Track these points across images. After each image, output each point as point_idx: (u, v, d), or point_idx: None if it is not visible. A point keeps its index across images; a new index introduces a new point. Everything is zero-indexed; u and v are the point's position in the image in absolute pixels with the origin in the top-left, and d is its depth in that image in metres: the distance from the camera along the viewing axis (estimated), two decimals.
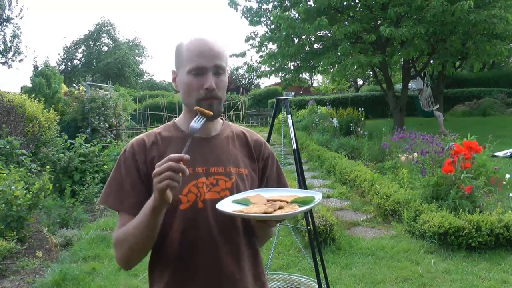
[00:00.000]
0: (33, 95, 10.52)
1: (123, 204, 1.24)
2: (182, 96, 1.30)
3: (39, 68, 13.01)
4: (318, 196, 1.20)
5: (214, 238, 1.24)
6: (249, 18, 13.89)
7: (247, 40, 14.29)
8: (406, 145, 7.57)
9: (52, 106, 11.45)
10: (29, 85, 12.85)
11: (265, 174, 1.40)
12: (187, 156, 1.07)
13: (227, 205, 1.17)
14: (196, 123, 1.19)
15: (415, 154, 6.71)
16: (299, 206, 1.16)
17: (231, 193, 1.26)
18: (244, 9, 13.88)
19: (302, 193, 1.26)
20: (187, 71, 1.25)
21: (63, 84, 14.52)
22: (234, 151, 1.35)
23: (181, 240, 1.23)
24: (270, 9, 14.12)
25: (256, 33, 14.60)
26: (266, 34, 13.70)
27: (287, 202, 1.18)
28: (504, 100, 20.09)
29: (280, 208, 1.15)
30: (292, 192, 1.26)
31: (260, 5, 14.13)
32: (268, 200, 1.20)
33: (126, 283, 3.88)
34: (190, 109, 1.29)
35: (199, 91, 1.24)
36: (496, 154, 8.80)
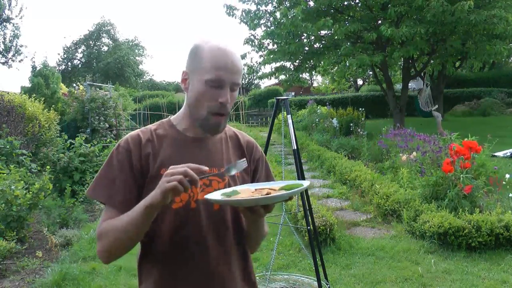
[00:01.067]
0: (33, 95, 10.52)
1: (112, 199, 1.22)
2: (190, 100, 1.29)
3: (37, 68, 13.00)
4: (305, 183, 1.20)
5: (204, 238, 1.25)
6: (248, 23, 13.87)
7: (245, 42, 14.27)
8: (402, 143, 7.62)
9: (52, 106, 11.46)
10: (28, 85, 12.85)
11: (256, 177, 1.41)
12: (205, 168, 1.10)
13: (213, 197, 1.17)
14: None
15: (414, 153, 6.72)
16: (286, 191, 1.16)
17: None
18: (243, 13, 13.84)
19: (289, 183, 1.26)
20: (204, 80, 1.23)
21: (62, 84, 14.52)
22: (227, 152, 1.36)
23: (171, 238, 1.23)
24: (269, 10, 14.11)
25: (255, 35, 14.59)
26: (267, 30, 13.60)
27: (274, 190, 1.18)
28: (504, 100, 20.10)
29: (268, 194, 1.14)
30: (280, 184, 1.26)
31: (258, 6, 14.12)
32: (256, 189, 1.20)
33: (126, 283, 3.88)
34: (192, 114, 1.29)
35: (212, 103, 1.24)
36: (496, 154, 8.80)
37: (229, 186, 1.30)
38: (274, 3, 13.98)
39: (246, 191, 1.19)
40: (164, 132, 1.32)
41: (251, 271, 1.37)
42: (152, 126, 1.34)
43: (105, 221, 1.21)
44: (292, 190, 1.15)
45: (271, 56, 13.87)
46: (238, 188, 1.23)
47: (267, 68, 14.68)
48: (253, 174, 1.40)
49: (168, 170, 1.08)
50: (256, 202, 1.12)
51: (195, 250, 1.24)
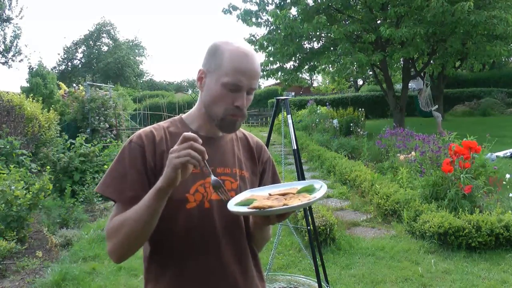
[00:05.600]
0: (31, 95, 10.52)
1: (123, 195, 1.19)
2: (206, 100, 1.27)
3: (34, 69, 13.02)
4: (317, 184, 1.20)
5: (218, 238, 1.24)
6: (247, 19, 13.89)
7: (247, 42, 14.31)
8: (400, 143, 7.63)
9: (52, 106, 11.45)
10: (26, 85, 12.86)
11: (263, 179, 1.41)
12: (200, 140, 1.07)
13: (231, 208, 1.16)
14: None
15: (413, 153, 6.72)
16: (308, 194, 1.16)
17: (237, 194, 1.25)
18: (243, 13, 13.87)
19: (298, 185, 1.25)
20: (222, 82, 1.22)
21: (62, 83, 14.52)
22: (238, 153, 1.36)
23: (184, 238, 1.22)
24: (268, 10, 14.15)
25: (255, 34, 14.63)
26: (265, 36, 13.71)
27: (293, 194, 1.17)
28: (504, 100, 20.11)
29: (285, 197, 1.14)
30: (287, 186, 1.25)
31: (259, 6, 14.15)
32: (270, 194, 1.19)
33: (126, 283, 3.88)
34: (208, 114, 1.28)
35: (228, 105, 1.23)
36: (496, 154, 8.80)
37: (239, 188, 1.29)
38: (274, 3, 14.03)
39: (259, 197, 1.18)
40: (177, 130, 1.31)
41: (261, 273, 1.38)
42: (164, 124, 1.33)
43: (114, 218, 1.18)
44: (320, 195, 1.14)
45: (271, 59, 13.92)
46: (246, 195, 1.22)
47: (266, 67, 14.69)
48: (260, 176, 1.40)
49: (173, 147, 1.06)
50: (288, 210, 1.10)
51: (208, 251, 1.24)
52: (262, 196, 1.19)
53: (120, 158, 1.24)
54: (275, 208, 1.08)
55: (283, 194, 1.18)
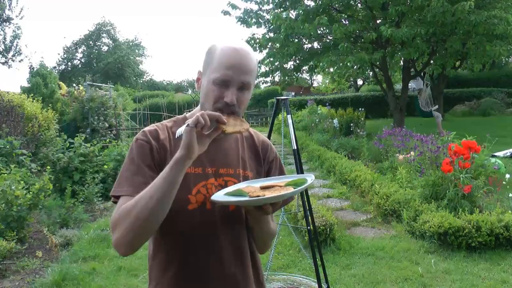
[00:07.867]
0: (31, 94, 10.51)
1: (134, 186, 1.17)
2: (201, 99, 1.29)
3: (35, 69, 13.03)
4: (309, 178, 1.20)
5: (219, 239, 1.24)
6: (247, 21, 13.90)
7: (247, 42, 14.34)
8: (399, 143, 7.62)
9: (50, 105, 11.45)
10: (27, 85, 12.86)
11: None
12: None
13: (220, 198, 1.16)
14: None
15: (412, 153, 6.71)
16: (294, 188, 1.16)
17: None
18: (244, 14, 13.88)
19: (292, 178, 1.25)
20: (212, 79, 1.22)
21: (62, 83, 14.52)
22: (242, 153, 1.35)
23: (186, 239, 1.23)
24: (269, 10, 14.16)
25: (254, 35, 14.65)
26: (266, 36, 13.73)
27: (280, 186, 1.17)
28: (504, 100, 20.11)
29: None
30: (282, 179, 1.25)
31: (260, 6, 14.15)
32: (261, 188, 1.19)
33: (126, 283, 3.88)
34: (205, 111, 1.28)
35: (218, 101, 1.23)
36: (496, 154, 8.80)
37: None
38: (274, 3, 14.03)
39: (251, 189, 1.18)
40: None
41: (261, 273, 1.37)
42: (167, 123, 1.33)
43: (123, 206, 1.14)
44: (299, 188, 1.14)
45: (271, 59, 13.93)
46: (241, 186, 1.22)
47: (266, 67, 14.70)
48: (267, 175, 1.38)
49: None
50: (266, 201, 1.11)
51: (209, 251, 1.24)
52: (253, 187, 1.20)
53: (129, 157, 1.23)
54: (249, 199, 1.10)
55: (271, 187, 1.18)
